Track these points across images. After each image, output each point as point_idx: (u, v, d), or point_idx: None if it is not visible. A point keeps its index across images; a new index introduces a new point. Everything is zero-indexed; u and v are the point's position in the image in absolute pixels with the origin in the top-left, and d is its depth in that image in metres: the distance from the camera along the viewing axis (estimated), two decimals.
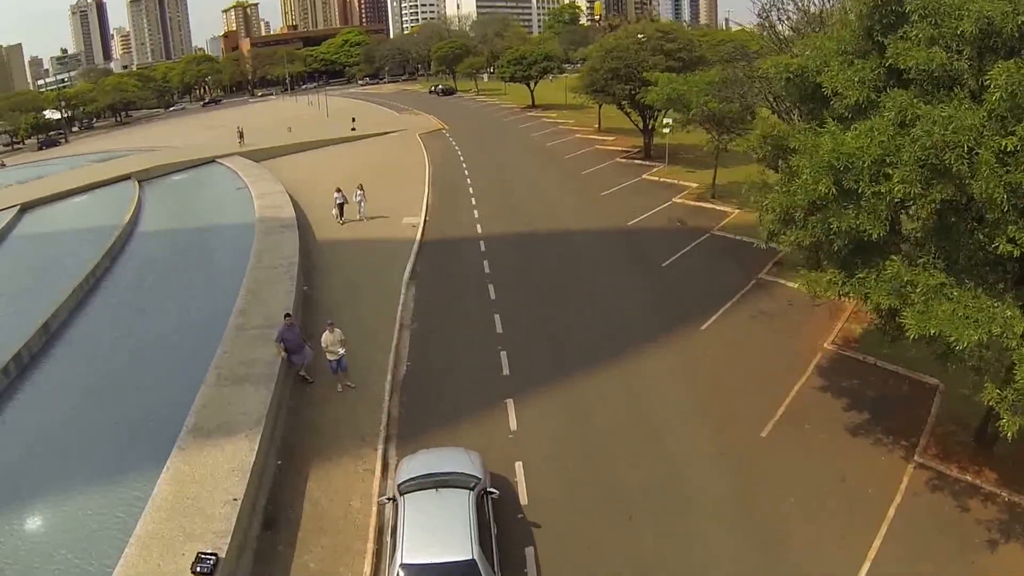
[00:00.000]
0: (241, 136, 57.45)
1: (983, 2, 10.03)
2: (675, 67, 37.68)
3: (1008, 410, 9.80)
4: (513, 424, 15.25)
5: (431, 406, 16.10)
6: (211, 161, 50.30)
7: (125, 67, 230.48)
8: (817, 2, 23.48)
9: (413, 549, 10.29)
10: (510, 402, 15.92)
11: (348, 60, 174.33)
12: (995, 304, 9.77)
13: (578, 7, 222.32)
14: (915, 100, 10.57)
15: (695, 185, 34.22)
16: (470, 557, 10.14)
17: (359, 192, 30.81)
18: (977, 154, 9.62)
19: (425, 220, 30.86)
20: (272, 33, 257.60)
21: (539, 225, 29.79)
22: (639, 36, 43.92)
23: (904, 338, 10.69)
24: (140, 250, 30.64)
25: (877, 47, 11.88)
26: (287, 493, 13.23)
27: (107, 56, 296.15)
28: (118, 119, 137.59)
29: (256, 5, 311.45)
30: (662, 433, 14.79)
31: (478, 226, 29.93)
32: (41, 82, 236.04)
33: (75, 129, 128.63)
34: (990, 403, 10.18)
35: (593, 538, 11.97)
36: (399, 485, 11.76)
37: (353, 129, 60.77)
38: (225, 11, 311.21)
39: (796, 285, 16.11)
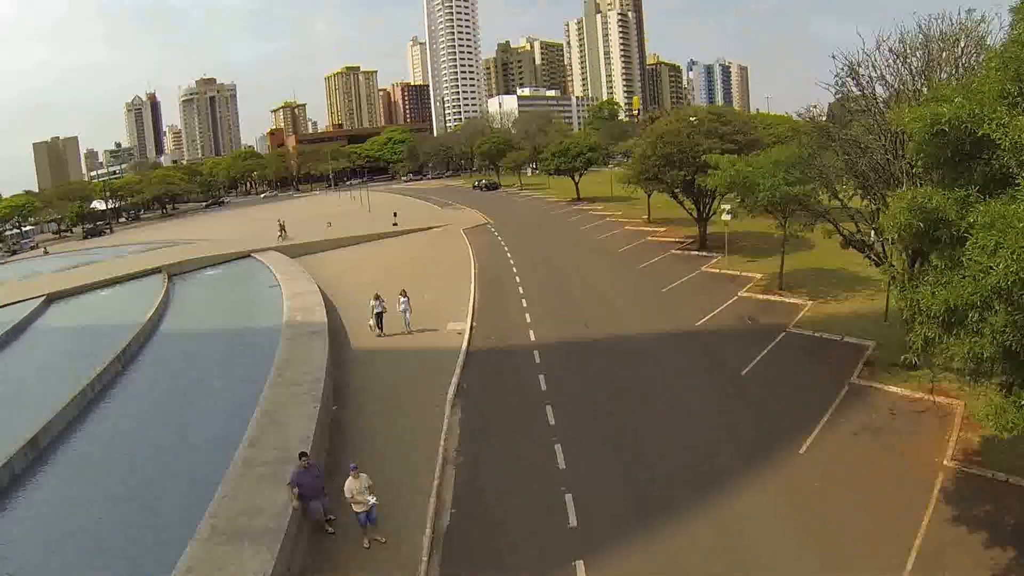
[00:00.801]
0: (282, 229, 56.64)
1: None
2: (731, 150, 35.13)
3: None
4: None
5: (480, 568, 13.21)
6: (247, 256, 49.81)
7: (175, 161, 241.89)
8: (919, 55, 19.91)
9: None
10: (580, 564, 12.87)
11: (392, 157, 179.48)
12: None
13: (616, 103, 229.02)
14: None
15: (759, 276, 31.68)
16: None
17: (403, 300, 26.66)
18: None
19: (472, 326, 27.66)
20: (318, 131, 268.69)
21: (598, 328, 26.68)
22: (691, 119, 41.90)
23: None
24: (155, 354, 29.17)
25: None
26: None
27: (159, 151, 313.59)
28: (164, 211, 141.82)
29: (304, 105, 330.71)
30: None
31: (530, 332, 26.71)
32: (94, 173, 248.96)
33: (122, 220, 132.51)
34: None
35: None
36: None
37: (395, 224, 59.43)
38: (274, 111, 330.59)
39: (898, 391, 15.52)
